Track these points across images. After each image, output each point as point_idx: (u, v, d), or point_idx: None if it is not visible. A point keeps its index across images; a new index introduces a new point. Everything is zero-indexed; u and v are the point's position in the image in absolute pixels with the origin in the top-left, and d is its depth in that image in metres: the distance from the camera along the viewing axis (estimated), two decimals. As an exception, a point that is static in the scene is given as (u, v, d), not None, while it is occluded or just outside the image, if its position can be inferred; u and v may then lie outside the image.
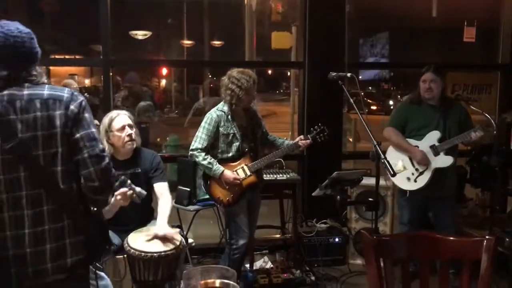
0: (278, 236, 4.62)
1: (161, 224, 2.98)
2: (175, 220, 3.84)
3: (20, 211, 1.78)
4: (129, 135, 3.12)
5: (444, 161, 3.51)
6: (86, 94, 8.75)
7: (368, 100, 16.93)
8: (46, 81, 1.90)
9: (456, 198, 3.90)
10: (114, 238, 3.15)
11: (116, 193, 2.53)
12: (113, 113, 3.21)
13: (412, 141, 3.61)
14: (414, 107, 3.67)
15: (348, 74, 3.01)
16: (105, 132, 3.12)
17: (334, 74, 3.00)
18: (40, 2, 7.07)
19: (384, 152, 2.72)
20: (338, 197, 2.96)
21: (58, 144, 1.79)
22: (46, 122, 1.79)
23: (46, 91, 1.82)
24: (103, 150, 1.84)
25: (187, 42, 10.61)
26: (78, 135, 1.81)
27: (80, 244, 1.86)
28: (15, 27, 1.83)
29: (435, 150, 3.52)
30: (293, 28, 8.48)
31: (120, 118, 3.15)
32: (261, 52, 8.53)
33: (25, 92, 1.81)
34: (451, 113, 3.58)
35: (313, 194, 3.24)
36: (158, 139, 7.00)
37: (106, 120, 3.16)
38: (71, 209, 1.84)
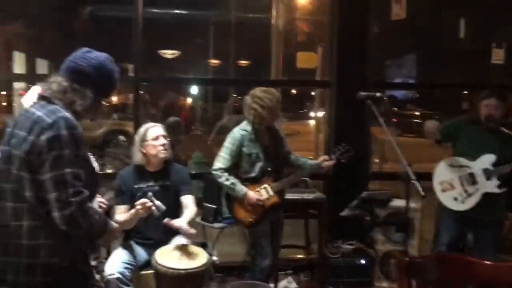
0: (302, 256, 4.57)
1: (180, 220, 3.03)
2: (201, 237, 3.85)
3: (5, 221, 1.82)
4: (163, 145, 3.20)
5: (495, 186, 3.35)
6: (115, 115, 8.87)
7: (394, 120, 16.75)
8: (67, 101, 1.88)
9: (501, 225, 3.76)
10: (141, 252, 3.20)
11: (136, 203, 2.55)
12: (149, 124, 3.31)
13: (464, 161, 3.47)
14: (470, 126, 3.53)
15: (378, 94, 3.00)
16: (140, 142, 3.21)
17: (363, 93, 2.99)
18: (74, 21, 7.30)
19: (416, 173, 2.68)
20: (367, 218, 2.92)
21: (23, 169, 1.78)
22: (22, 143, 1.80)
23: (40, 112, 1.83)
24: (73, 194, 1.75)
25: (213, 62, 10.77)
26: (45, 176, 1.75)
27: (52, 266, 1.82)
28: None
29: (488, 174, 3.37)
30: (319, 49, 8.54)
31: (155, 129, 3.25)
32: (286, 71, 8.59)
33: (31, 109, 1.88)
34: (510, 138, 3.36)
35: (342, 214, 3.21)
36: (184, 157, 7.06)
37: (141, 130, 3.26)
38: (50, 230, 1.81)
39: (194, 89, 12.93)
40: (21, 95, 3.04)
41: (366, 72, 4.58)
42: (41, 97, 1.91)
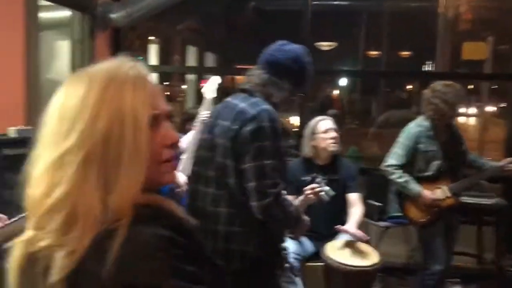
0: (473, 265, 4.20)
1: (350, 225, 2.97)
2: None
3: (205, 206, 1.91)
4: (333, 138, 3.17)
5: None
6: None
7: None
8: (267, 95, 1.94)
9: None
10: (308, 245, 3.23)
11: (305, 188, 2.54)
12: (319, 117, 3.31)
13: None
14: None
15: None
16: (310, 134, 3.22)
17: None
18: (238, 16, 7.68)
19: None
20: None
21: (228, 157, 1.85)
22: (226, 132, 1.86)
23: (243, 104, 1.89)
24: (271, 185, 1.79)
25: (371, 53, 10.49)
26: (246, 165, 1.80)
27: (246, 254, 1.88)
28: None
29: None
30: (489, 38, 7.74)
31: (325, 122, 3.24)
32: (449, 63, 7.97)
33: (234, 101, 1.95)
34: None
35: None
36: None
37: (312, 123, 3.27)
38: (245, 218, 1.87)
39: (342, 81, 12.70)
40: (202, 84, 3.25)
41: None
42: (242, 90, 1.99)
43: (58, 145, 0.81)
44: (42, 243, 0.79)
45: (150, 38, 6.96)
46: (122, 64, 0.89)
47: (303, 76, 2.00)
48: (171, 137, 0.90)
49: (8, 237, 1.64)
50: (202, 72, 7.23)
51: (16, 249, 0.83)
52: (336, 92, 12.97)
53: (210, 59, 9.17)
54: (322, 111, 5.78)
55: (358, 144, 7.67)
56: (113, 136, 0.81)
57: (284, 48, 1.99)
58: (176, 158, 0.93)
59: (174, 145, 0.91)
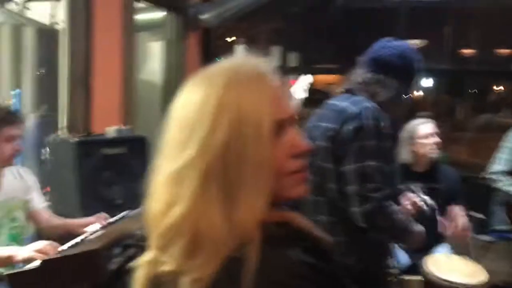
0: None
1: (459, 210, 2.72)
2: (461, 248, 3.48)
3: (306, 214, 1.78)
4: (435, 143, 2.96)
5: None
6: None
7: None
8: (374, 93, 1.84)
9: None
10: (402, 256, 3.04)
11: (403, 199, 2.35)
12: (419, 120, 3.10)
13: None
14: None
15: None
16: (409, 139, 3.02)
17: None
18: (323, 15, 7.54)
19: None
20: None
21: (328, 160, 1.74)
22: (325, 133, 1.76)
23: (344, 103, 1.79)
24: (374, 189, 1.65)
25: (463, 51, 9.89)
26: (347, 167, 1.69)
27: (347, 265, 1.71)
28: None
29: None
30: None
31: (426, 126, 3.03)
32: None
33: (334, 102, 1.86)
34: None
35: None
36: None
37: (410, 127, 3.07)
38: (346, 227, 1.74)
39: (427, 82, 12.09)
40: (291, 84, 3.18)
41: None
42: (345, 90, 1.90)
43: (177, 157, 0.75)
44: (166, 268, 0.73)
45: (235, 38, 7.02)
46: (244, 62, 0.81)
47: (409, 72, 1.88)
48: (299, 145, 0.80)
49: (113, 238, 1.66)
50: (285, 72, 7.21)
51: (140, 270, 0.78)
52: (419, 93, 12.39)
53: (293, 59, 9.10)
54: (409, 113, 5.47)
55: (446, 149, 7.21)
56: (234, 146, 0.73)
57: (389, 44, 1.89)
58: (306, 168, 0.82)
59: (303, 154, 0.81)
